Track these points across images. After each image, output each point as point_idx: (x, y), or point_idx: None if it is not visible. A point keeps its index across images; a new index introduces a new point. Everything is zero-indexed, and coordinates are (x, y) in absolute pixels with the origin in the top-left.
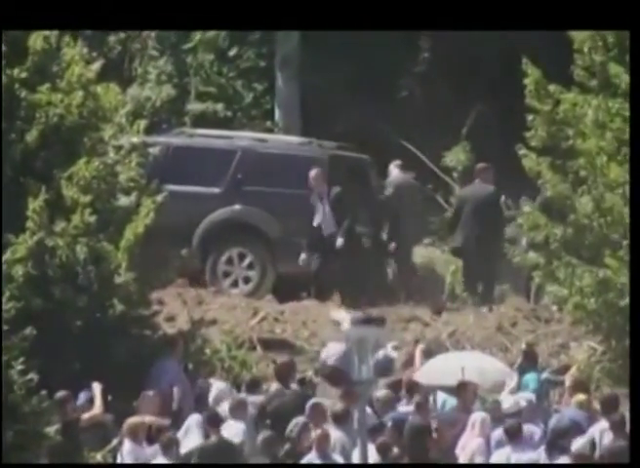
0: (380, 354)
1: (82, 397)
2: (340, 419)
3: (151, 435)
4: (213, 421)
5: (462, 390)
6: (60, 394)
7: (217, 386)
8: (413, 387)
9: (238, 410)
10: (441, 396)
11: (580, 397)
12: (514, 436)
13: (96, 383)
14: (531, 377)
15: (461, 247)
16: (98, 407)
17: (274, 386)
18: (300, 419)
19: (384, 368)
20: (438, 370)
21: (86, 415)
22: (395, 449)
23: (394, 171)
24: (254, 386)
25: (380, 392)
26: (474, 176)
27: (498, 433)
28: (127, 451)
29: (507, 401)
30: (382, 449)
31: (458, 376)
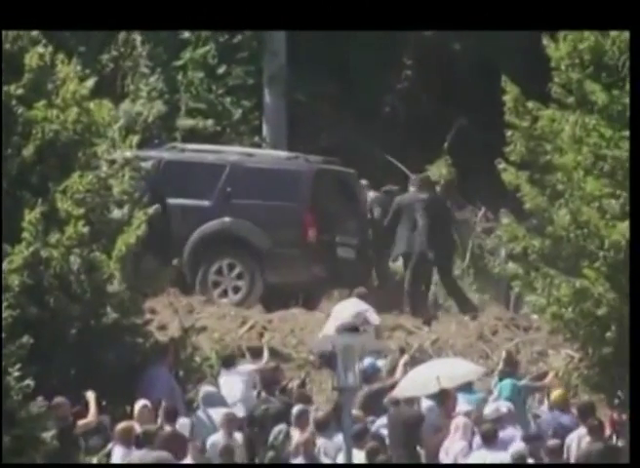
0: (367, 362)
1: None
2: (322, 426)
3: (140, 439)
4: (169, 415)
5: (444, 397)
6: (56, 400)
7: (205, 390)
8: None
9: (232, 424)
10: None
11: (557, 392)
12: (489, 440)
13: (90, 391)
14: (506, 384)
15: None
16: (92, 414)
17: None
18: (283, 427)
19: (370, 375)
20: (415, 383)
21: (81, 422)
22: (382, 456)
23: (369, 193)
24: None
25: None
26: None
27: (478, 437)
28: (117, 456)
29: (489, 407)
30: (372, 454)
31: (433, 386)
